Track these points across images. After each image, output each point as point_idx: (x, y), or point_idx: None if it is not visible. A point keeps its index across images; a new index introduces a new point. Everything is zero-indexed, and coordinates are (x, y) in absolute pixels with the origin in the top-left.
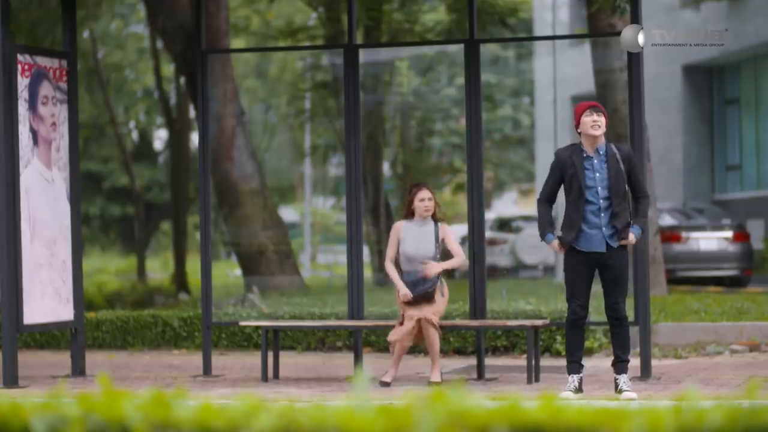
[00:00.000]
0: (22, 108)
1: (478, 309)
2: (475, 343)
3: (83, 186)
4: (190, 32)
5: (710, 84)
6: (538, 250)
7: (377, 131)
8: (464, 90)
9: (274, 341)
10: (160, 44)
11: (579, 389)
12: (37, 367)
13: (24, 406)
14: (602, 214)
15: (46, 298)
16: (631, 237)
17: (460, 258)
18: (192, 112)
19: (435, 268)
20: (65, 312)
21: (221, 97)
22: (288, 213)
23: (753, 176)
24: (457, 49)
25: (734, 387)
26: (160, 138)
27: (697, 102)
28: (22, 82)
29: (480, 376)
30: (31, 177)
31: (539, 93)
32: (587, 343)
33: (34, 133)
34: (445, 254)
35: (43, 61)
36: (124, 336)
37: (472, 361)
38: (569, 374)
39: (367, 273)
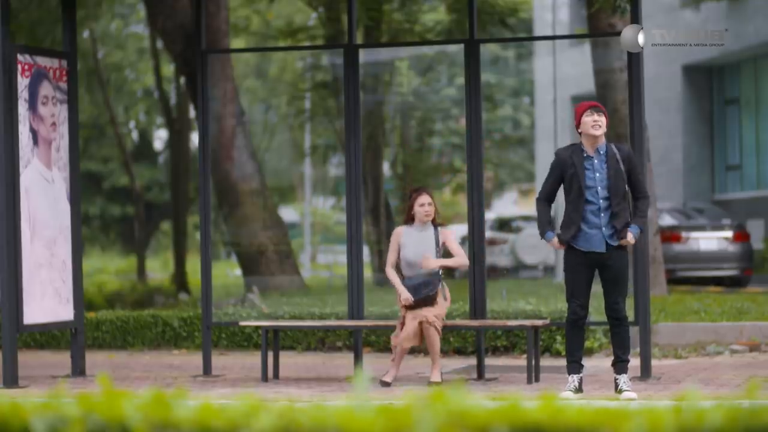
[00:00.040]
0: (22, 108)
1: (478, 309)
2: (475, 343)
3: (83, 186)
4: (190, 32)
5: (710, 84)
6: (538, 250)
7: (377, 131)
8: (464, 90)
9: (274, 341)
10: (160, 44)
11: (579, 389)
12: (37, 367)
13: (24, 406)
14: (602, 214)
15: (46, 298)
16: (630, 236)
17: (460, 258)
18: (192, 112)
19: (433, 262)
20: (65, 312)
21: (221, 97)
22: (288, 213)
23: (753, 176)
24: (457, 49)
25: (734, 387)
26: (160, 138)
27: (697, 102)
28: (22, 82)
29: (480, 376)
30: (31, 177)
31: (539, 93)
32: (587, 343)
33: (34, 133)
34: (447, 257)
35: (43, 61)
36: (124, 336)
37: (472, 361)
38: (569, 374)
39: (367, 273)
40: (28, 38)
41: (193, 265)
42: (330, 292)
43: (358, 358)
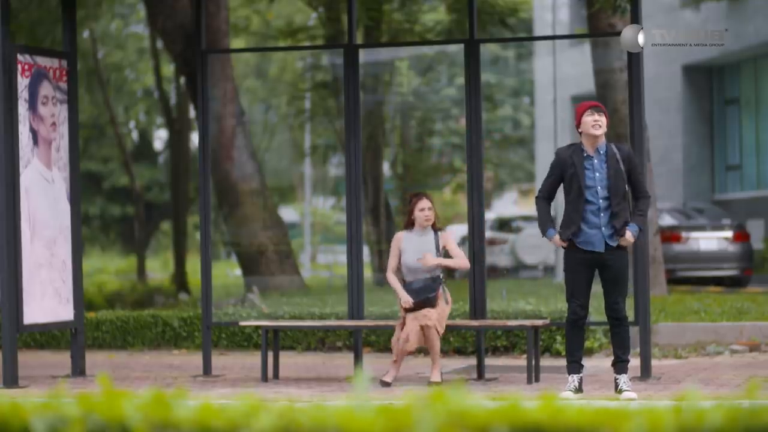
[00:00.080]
0: (22, 108)
1: (478, 309)
2: (475, 343)
3: (83, 186)
4: (190, 32)
5: (710, 84)
6: (538, 250)
7: (377, 131)
8: (464, 90)
9: (274, 341)
10: (160, 44)
11: (579, 389)
12: (37, 367)
13: (24, 406)
14: (602, 214)
15: (46, 298)
16: (628, 235)
17: (460, 259)
18: (192, 112)
19: (432, 260)
20: (65, 312)
21: (221, 97)
22: (288, 213)
23: (753, 176)
24: (457, 49)
25: (734, 387)
26: (160, 138)
27: (697, 102)
28: (22, 82)
29: (480, 376)
30: (31, 177)
31: (539, 93)
32: (587, 343)
33: (34, 133)
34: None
35: (43, 61)
36: (124, 336)
37: (472, 361)
38: (569, 374)
39: (367, 273)
40: (28, 38)
41: (193, 265)
42: (330, 292)
43: (358, 358)
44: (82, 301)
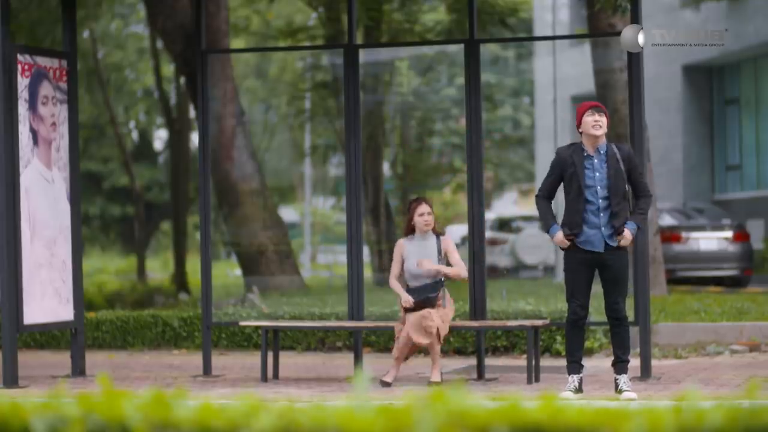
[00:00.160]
0: (22, 108)
1: (478, 309)
2: (475, 343)
3: (83, 186)
4: (190, 32)
5: (710, 84)
6: (538, 250)
7: (377, 131)
8: (464, 90)
9: (274, 341)
10: (160, 44)
11: (579, 389)
12: (37, 367)
13: (24, 406)
14: (601, 214)
15: (46, 298)
16: (627, 233)
17: (459, 268)
18: (192, 112)
19: (430, 267)
20: (65, 312)
21: (221, 97)
22: (288, 213)
23: (753, 176)
24: (457, 49)
25: (734, 387)
26: (160, 138)
27: (697, 102)
28: (22, 82)
29: (480, 376)
30: (31, 177)
31: (539, 93)
32: (587, 343)
33: (34, 133)
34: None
35: (43, 61)
36: (124, 336)
37: (472, 361)
38: (569, 374)
39: (367, 273)
40: (28, 38)
41: (193, 265)
42: (330, 292)
43: (358, 359)
44: (82, 301)
